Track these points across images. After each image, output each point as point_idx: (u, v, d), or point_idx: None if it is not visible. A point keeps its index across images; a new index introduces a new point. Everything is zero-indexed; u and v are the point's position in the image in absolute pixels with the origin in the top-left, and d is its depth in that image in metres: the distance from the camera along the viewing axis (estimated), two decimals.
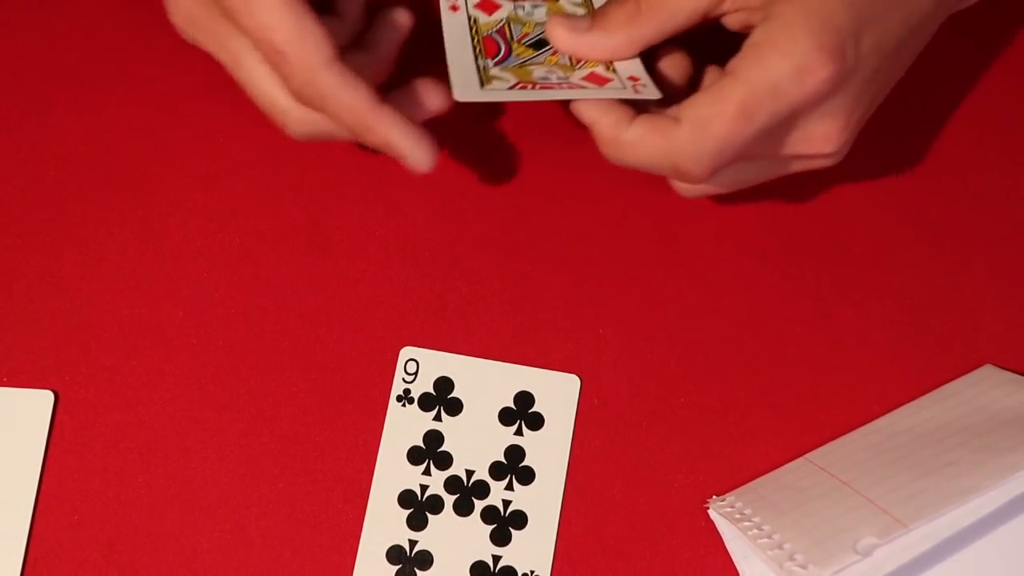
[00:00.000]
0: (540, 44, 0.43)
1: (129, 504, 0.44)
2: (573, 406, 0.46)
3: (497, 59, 0.42)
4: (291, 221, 0.48)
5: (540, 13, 0.44)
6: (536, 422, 0.45)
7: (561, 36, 0.41)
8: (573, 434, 0.45)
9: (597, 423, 0.46)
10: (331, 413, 0.45)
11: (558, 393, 0.46)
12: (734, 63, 0.39)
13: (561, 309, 0.47)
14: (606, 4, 0.41)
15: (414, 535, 0.44)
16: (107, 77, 0.49)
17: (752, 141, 0.39)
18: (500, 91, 0.41)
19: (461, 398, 0.46)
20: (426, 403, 0.45)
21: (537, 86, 0.41)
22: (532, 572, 0.44)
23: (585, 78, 0.41)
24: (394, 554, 0.44)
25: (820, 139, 0.41)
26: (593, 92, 0.40)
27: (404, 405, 0.45)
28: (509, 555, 0.44)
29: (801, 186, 0.50)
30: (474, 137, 0.49)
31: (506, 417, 0.45)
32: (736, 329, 0.47)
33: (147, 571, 0.43)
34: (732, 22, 0.42)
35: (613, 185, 0.49)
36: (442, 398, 0.45)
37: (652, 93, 0.40)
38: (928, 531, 0.39)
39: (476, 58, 0.42)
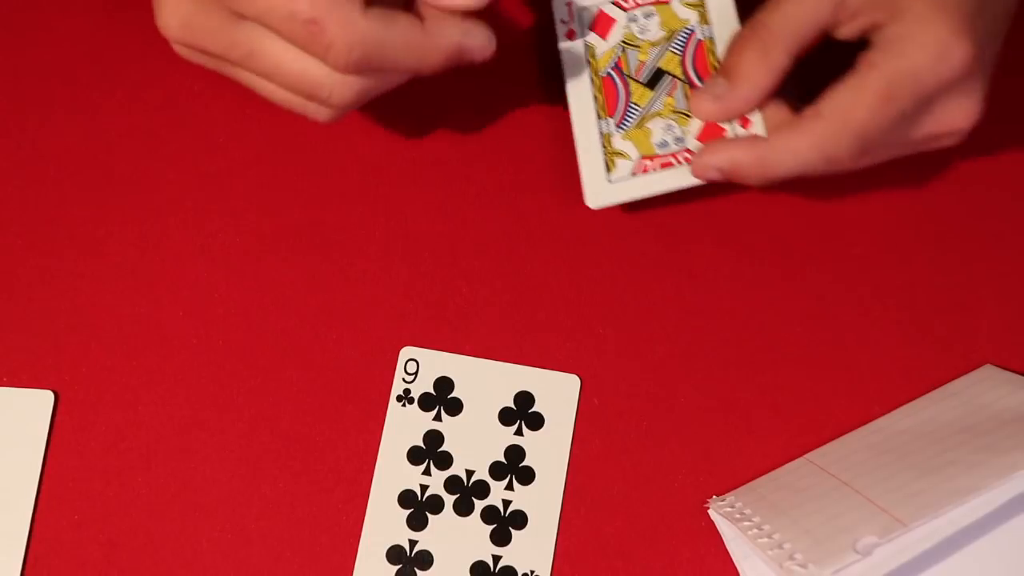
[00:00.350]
0: (656, 76, 0.45)
1: (129, 504, 0.44)
2: (573, 406, 0.46)
3: (618, 118, 0.44)
4: (291, 221, 0.48)
5: (654, 25, 0.45)
6: (536, 422, 0.45)
7: (708, 110, 0.43)
8: (573, 434, 0.45)
9: (597, 423, 0.46)
10: (331, 413, 0.45)
11: (558, 393, 0.46)
12: (870, 56, 0.41)
13: (561, 309, 0.47)
14: (729, 55, 0.43)
15: (414, 535, 0.44)
16: (107, 77, 0.49)
17: (895, 125, 0.41)
18: (625, 183, 0.44)
19: (461, 398, 0.46)
20: (426, 403, 0.45)
21: (657, 162, 0.44)
22: (532, 572, 0.44)
23: (700, 135, 0.44)
24: (394, 554, 0.44)
25: (961, 117, 0.43)
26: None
27: (404, 405, 0.45)
28: (509, 555, 0.44)
29: (801, 187, 0.50)
30: (474, 136, 0.49)
31: (506, 417, 0.45)
32: (736, 329, 0.47)
33: (147, 571, 0.43)
34: (849, 30, 0.43)
35: None
36: (442, 398, 0.45)
37: (760, 130, 0.43)
38: (928, 530, 0.39)
39: (598, 119, 0.44)
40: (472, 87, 0.49)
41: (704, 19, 0.45)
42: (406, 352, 0.46)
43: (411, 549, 0.44)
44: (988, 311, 0.48)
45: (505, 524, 0.44)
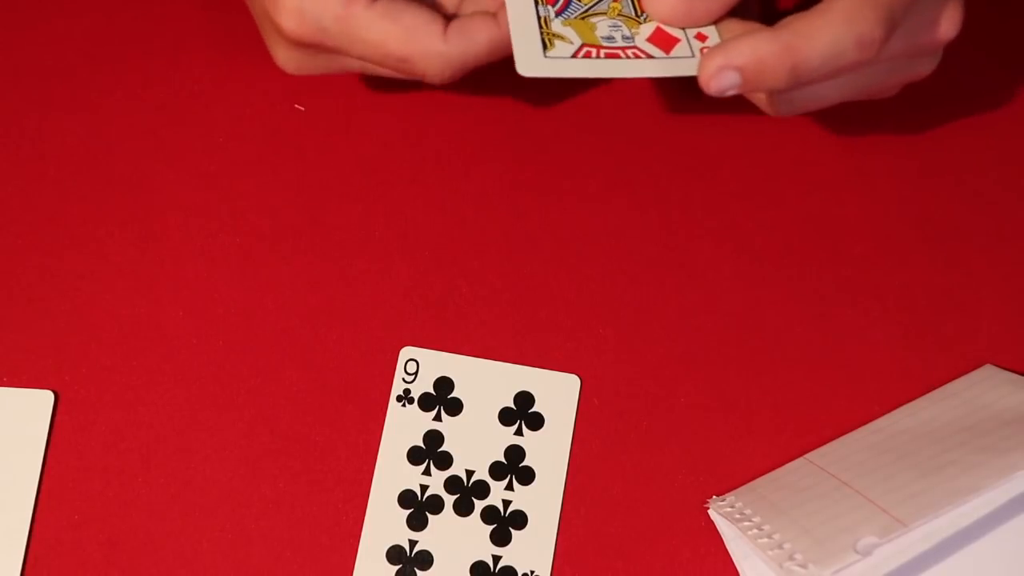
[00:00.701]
0: None
1: (129, 504, 0.44)
2: (573, 406, 0.46)
3: (558, 6, 0.41)
4: (291, 221, 0.48)
5: None
6: (536, 422, 0.45)
7: (670, 8, 0.39)
8: (573, 434, 0.45)
9: (597, 423, 0.46)
10: (331, 413, 0.45)
11: (558, 393, 0.46)
12: None
13: (561, 309, 0.47)
14: None
15: (414, 535, 0.44)
16: (107, 77, 0.49)
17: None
18: (564, 60, 0.39)
19: (461, 398, 0.46)
20: (426, 403, 0.45)
21: (602, 52, 0.40)
22: (532, 572, 0.44)
23: (650, 37, 0.40)
24: (394, 554, 0.44)
25: (945, 24, 0.41)
26: (659, 63, 0.39)
27: (404, 405, 0.45)
28: (509, 555, 0.44)
29: (801, 186, 0.50)
30: (474, 136, 0.49)
31: (506, 417, 0.45)
32: (736, 329, 0.47)
33: (147, 571, 0.43)
34: None
35: (613, 185, 0.49)
36: (442, 398, 0.45)
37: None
38: (928, 531, 0.39)
39: (537, 4, 0.41)
40: (472, 87, 0.49)
41: None
42: (406, 352, 0.46)
43: (411, 549, 0.44)
44: (988, 311, 0.48)
45: (505, 524, 0.44)
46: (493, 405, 0.45)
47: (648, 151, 0.48)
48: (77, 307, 0.46)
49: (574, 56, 0.39)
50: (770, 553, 0.40)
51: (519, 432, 0.45)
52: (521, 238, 0.48)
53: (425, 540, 0.44)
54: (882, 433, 0.45)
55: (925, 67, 0.43)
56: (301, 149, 0.49)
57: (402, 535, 0.44)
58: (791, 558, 0.39)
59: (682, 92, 0.51)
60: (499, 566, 0.44)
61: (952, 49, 0.51)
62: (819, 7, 0.37)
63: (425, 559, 0.44)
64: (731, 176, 0.49)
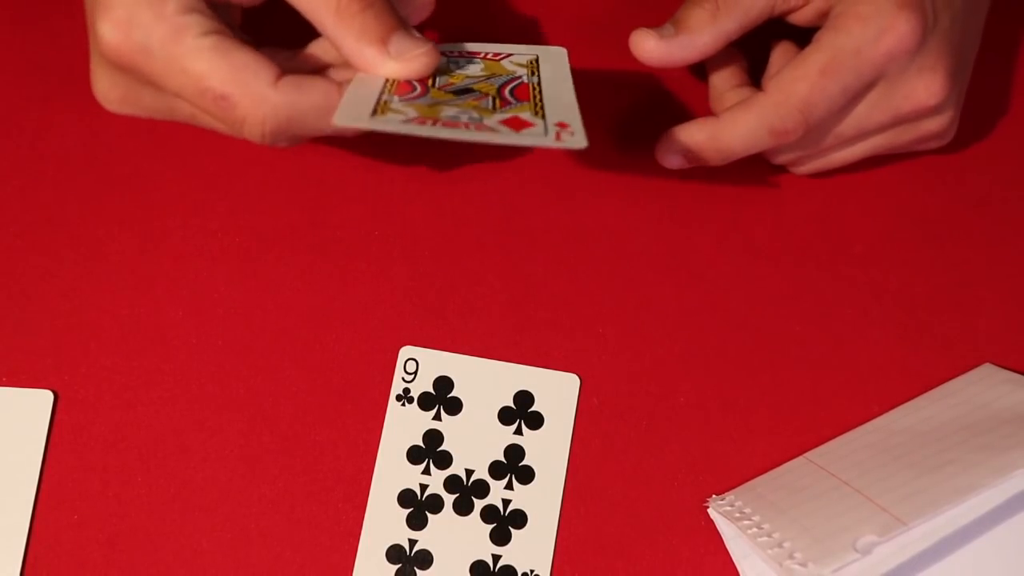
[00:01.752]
0: (465, 93, 0.40)
1: (129, 504, 0.44)
2: (573, 406, 0.46)
3: (407, 96, 0.39)
4: (291, 221, 0.48)
5: (474, 69, 0.42)
6: (536, 421, 0.45)
7: (650, 46, 0.43)
8: (573, 434, 0.45)
9: (597, 423, 0.46)
10: (331, 413, 0.45)
11: (558, 393, 0.46)
12: (816, 35, 0.43)
13: (561, 309, 0.47)
14: (681, 10, 0.44)
15: (414, 534, 0.44)
16: None
17: (841, 100, 0.42)
18: (391, 122, 0.36)
19: (461, 397, 0.46)
20: (426, 402, 0.45)
21: (439, 123, 0.37)
22: (532, 571, 0.44)
23: (504, 121, 0.38)
24: (394, 553, 0.44)
25: (923, 93, 0.43)
26: (505, 136, 0.37)
27: (404, 404, 0.45)
28: (509, 554, 0.44)
29: (801, 186, 0.50)
30: None
31: (506, 416, 0.45)
32: (736, 329, 0.47)
33: (147, 571, 0.43)
34: (804, 15, 0.44)
35: (613, 185, 0.49)
36: (442, 397, 0.45)
37: (579, 142, 0.36)
38: (927, 529, 0.39)
39: (383, 91, 0.39)
40: None
41: (534, 72, 0.42)
42: (406, 351, 0.46)
43: (411, 548, 0.44)
44: (987, 311, 0.48)
45: (505, 523, 0.44)
46: (493, 404, 0.45)
47: (648, 151, 0.47)
48: (77, 307, 0.46)
49: (406, 122, 0.36)
50: (770, 552, 0.40)
51: (519, 431, 0.45)
52: (521, 238, 0.48)
53: (425, 539, 0.44)
54: (881, 432, 0.45)
55: (930, 126, 0.45)
56: (301, 149, 0.49)
57: (402, 534, 0.44)
58: (791, 557, 0.39)
59: (682, 92, 0.51)
60: (499, 565, 0.44)
61: None
62: (749, 100, 0.44)
63: (425, 558, 0.44)
64: (731, 176, 0.49)
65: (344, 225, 0.48)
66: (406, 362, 0.46)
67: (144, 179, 0.48)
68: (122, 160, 0.48)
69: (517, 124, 0.38)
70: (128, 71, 0.40)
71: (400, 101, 0.38)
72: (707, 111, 0.50)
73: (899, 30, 0.41)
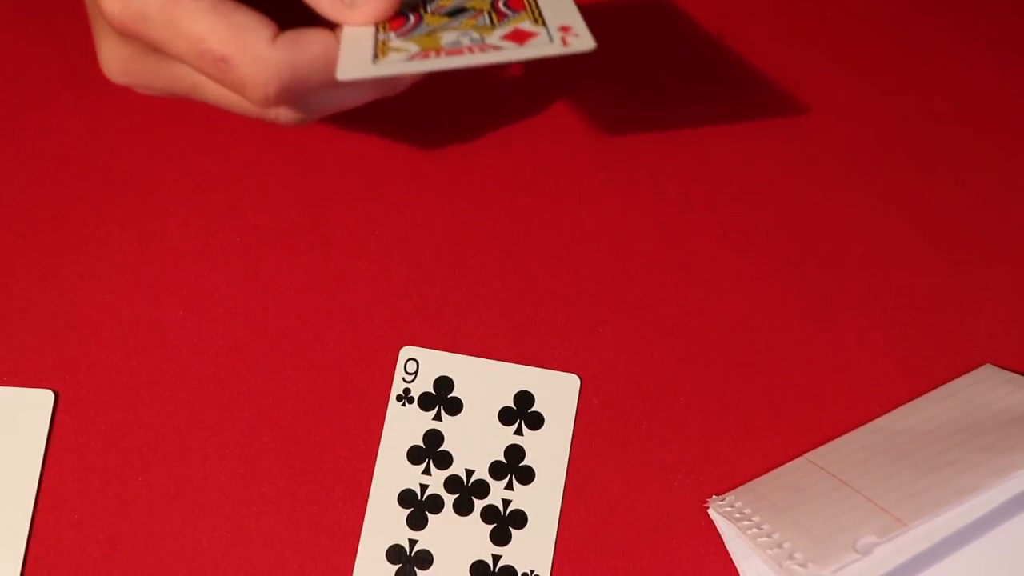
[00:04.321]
0: (459, 12, 0.39)
1: (129, 504, 0.44)
2: (573, 406, 0.46)
3: (402, 30, 0.38)
4: (291, 221, 0.48)
5: None
6: (536, 422, 0.45)
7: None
8: (573, 434, 0.45)
9: (597, 423, 0.46)
10: (331, 413, 0.45)
11: (558, 393, 0.46)
12: None
13: (561, 309, 0.47)
14: None
15: (414, 535, 0.44)
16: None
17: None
18: (396, 63, 0.35)
19: (461, 398, 0.46)
20: (426, 402, 0.45)
21: (443, 52, 0.36)
22: (532, 572, 0.44)
23: (506, 36, 0.37)
24: (394, 554, 0.44)
25: None
26: (510, 52, 0.36)
27: (404, 405, 0.45)
28: (509, 555, 0.44)
29: (801, 185, 0.50)
30: (474, 137, 0.49)
31: (506, 417, 0.45)
32: (736, 329, 0.47)
33: (147, 571, 0.43)
34: None
35: (613, 185, 0.49)
36: (442, 398, 0.45)
37: (586, 43, 0.35)
38: (928, 530, 0.39)
39: (377, 31, 0.38)
40: (472, 87, 0.49)
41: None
42: (406, 352, 0.46)
43: (411, 548, 0.44)
44: (988, 311, 0.48)
45: (505, 524, 0.44)
46: (493, 405, 0.45)
47: (648, 151, 0.48)
48: (77, 307, 0.46)
49: (410, 60, 0.36)
50: (770, 552, 0.40)
51: (519, 432, 0.45)
52: (521, 238, 0.48)
53: (425, 539, 0.44)
54: (882, 432, 0.45)
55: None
56: (301, 149, 0.49)
57: (402, 534, 0.44)
58: (791, 557, 0.39)
59: (682, 92, 0.51)
60: (499, 565, 0.44)
61: (952, 49, 0.51)
62: None
63: (425, 558, 0.44)
64: (731, 176, 0.49)
65: (344, 225, 0.48)
66: (406, 362, 0.46)
67: (144, 179, 0.48)
68: (122, 160, 0.48)
69: (520, 36, 0.37)
70: (130, 39, 0.39)
71: (397, 37, 0.37)
72: (707, 111, 0.50)
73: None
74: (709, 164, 0.50)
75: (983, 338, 0.48)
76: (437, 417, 0.45)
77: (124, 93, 0.49)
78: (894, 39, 0.52)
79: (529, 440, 0.45)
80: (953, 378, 0.47)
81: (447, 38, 0.37)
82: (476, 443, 0.45)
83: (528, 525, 0.44)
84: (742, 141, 0.50)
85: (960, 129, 0.49)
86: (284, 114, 0.39)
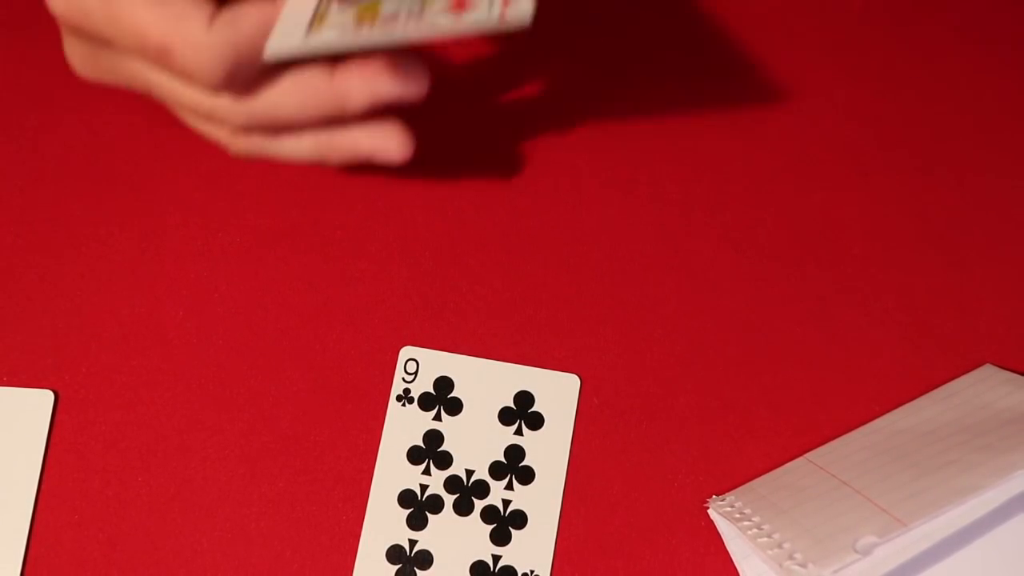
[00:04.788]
0: None
1: (129, 504, 0.44)
2: (573, 406, 0.46)
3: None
4: (291, 221, 0.48)
5: None
6: (536, 422, 0.45)
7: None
8: (573, 434, 0.45)
9: (597, 423, 0.46)
10: (331, 413, 0.45)
11: (558, 393, 0.46)
12: None
13: (561, 309, 0.47)
14: None
15: (414, 535, 0.44)
16: None
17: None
18: (325, 38, 0.34)
19: (461, 398, 0.46)
20: (426, 403, 0.45)
21: (377, 23, 0.34)
22: (532, 572, 0.44)
23: (449, 7, 0.35)
24: (394, 554, 0.44)
25: None
26: (441, 26, 0.34)
27: (404, 405, 0.45)
28: (509, 555, 0.44)
29: (801, 185, 0.50)
30: (474, 137, 0.49)
31: (506, 417, 0.45)
32: (736, 329, 0.47)
33: (147, 571, 0.43)
34: None
35: (613, 185, 0.49)
36: (442, 398, 0.45)
37: (522, 12, 0.33)
38: (928, 530, 0.39)
39: (320, 1, 0.36)
40: (472, 87, 0.49)
41: None
42: (406, 352, 0.46)
43: (411, 549, 0.44)
44: (988, 311, 0.48)
45: (505, 524, 0.44)
46: (493, 405, 0.45)
47: (648, 151, 0.48)
48: (77, 307, 0.46)
49: (340, 34, 0.35)
50: (770, 552, 0.40)
51: (519, 432, 0.45)
52: (521, 238, 0.48)
53: (425, 540, 0.44)
54: (882, 433, 0.45)
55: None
56: None
57: (402, 535, 0.44)
58: (791, 557, 0.39)
59: (682, 93, 0.51)
60: (499, 565, 0.44)
61: (952, 49, 0.51)
62: None
63: (425, 559, 0.44)
64: (731, 176, 0.49)
65: (344, 225, 0.48)
66: (406, 362, 0.46)
67: (144, 179, 0.48)
68: (122, 160, 0.48)
69: (461, 4, 0.34)
70: (80, 35, 0.38)
71: (339, 9, 0.36)
72: (708, 112, 0.50)
73: None
74: (709, 164, 0.50)
75: (983, 338, 0.48)
76: (437, 417, 0.45)
77: (124, 93, 0.49)
78: (894, 39, 0.52)
79: (529, 440, 0.45)
80: (953, 378, 0.47)
81: (387, 7, 0.35)
82: (476, 443, 0.45)
83: (528, 525, 0.44)
84: (742, 141, 0.50)
85: (960, 129, 0.49)
86: (233, 115, 0.38)
